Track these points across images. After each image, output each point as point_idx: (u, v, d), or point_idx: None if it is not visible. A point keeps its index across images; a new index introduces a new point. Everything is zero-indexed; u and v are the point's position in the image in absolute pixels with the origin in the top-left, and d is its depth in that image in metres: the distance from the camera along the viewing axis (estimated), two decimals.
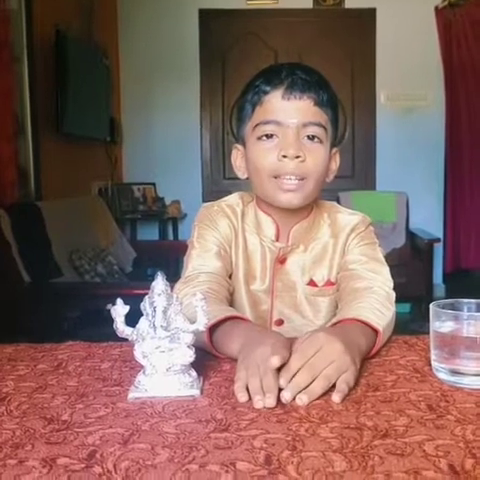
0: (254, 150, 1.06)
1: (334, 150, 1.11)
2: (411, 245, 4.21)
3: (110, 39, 4.40)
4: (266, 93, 1.03)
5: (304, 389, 0.70)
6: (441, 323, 0.77)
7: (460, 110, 4.51)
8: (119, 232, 3.72)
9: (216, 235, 1.12)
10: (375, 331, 0.88)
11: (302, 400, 0.69)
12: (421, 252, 4.05)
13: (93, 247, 3.10)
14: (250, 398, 0.69)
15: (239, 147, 1.13)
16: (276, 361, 0.71)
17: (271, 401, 0.68)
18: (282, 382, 0.70)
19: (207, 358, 0.85)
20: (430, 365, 0.80)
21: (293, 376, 0.71)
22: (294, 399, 0.69)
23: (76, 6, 3.75)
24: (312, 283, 1.14)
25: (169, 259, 3.43)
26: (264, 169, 1.04)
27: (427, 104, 4.59)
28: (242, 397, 0.70)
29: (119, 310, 0.74)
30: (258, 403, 0.68)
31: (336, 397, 0.69)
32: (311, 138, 1.03)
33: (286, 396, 0.69)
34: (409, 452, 0.55)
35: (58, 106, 3.40)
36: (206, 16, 4.57)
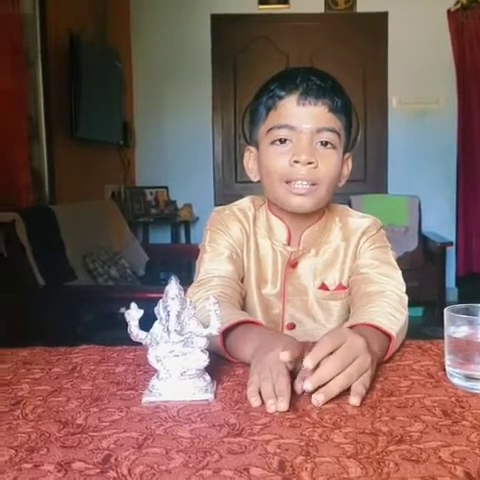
0: (267, 154, 1.06)
1: (347, 155, 1.10)
2: (423, 249, 4.18)
3: (123, 43, 4.43)
4: (281, 98, 1.03)
5: (323, 385, 0.70)
6: (456, 328, 0.77)
7: (472, 113, 4.48)
8: (132, 235, 3.73)
9: (228, 239, 1.13)
10: (388, 336, 0.88)
11: (318, 400, 0.68)
12: (433, 256, 4.03)
13: (106, 250, 3.12)
14: (263, 402, 0.69)
15: (252, 149, 1.13)
16: (286, 356, 0.71)
17: (283, 405, 0.67)
18: (307, 363, 0.70)
19: (220, 362, 0.85)
20: (444, 370, 0.79)
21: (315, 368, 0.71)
22: (306, 396, 0.69)
23: (90, 10, 3.78)
24: (324, 287, 1.14)
25: (181, 263, 3.44)
26: (276, 173, 1.05)
27: (439, 107, 4.57)
28: (255, 402, 0.70)
29: (133, 314, 0.75)
30: (271, 407, 0.68)
31: (354, 400, 0.69)
32: (324, 144, 1.03)
33: (308, 387, 0.68)
34: (424, 458, 0.55)
35: (72, 110, 3.43)
36: (218, 21, 4.59)
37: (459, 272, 4.58)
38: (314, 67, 1.10)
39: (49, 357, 0.92)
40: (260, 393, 0.71)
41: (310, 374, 0.70)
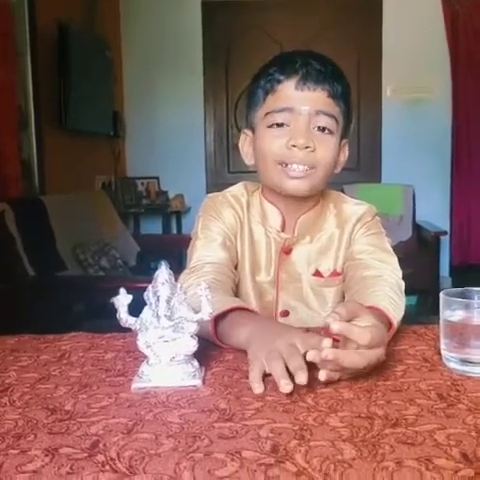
0: (263, 137, 1.05)
1: (343, 141, 1.09)
2: (417, 238, 4.19)
3: (113, 32, 4.39)
4: (279, 82, 1.02)
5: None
6: (451, 312, 0.76)
7: (467, 102, 4.48)
8: (123, 226, 3.71)
9: (221, 225, 1.11)
10: (389, 322, 0.87)
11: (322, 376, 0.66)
12: (427, 245, 4.03)
13: (97, 241, 3.10)
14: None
15: (247, 132, 1.11)
16: (328, 343, 0.68)
17: (302, 378, 0.64)
18: (337, 310, 0.69)
19: (209, 348, 0.84)
20: (439, 354, 0.78)
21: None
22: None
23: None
24: (318, 274, 1.13)
25: (173, 253, 3.41)
26: (272, 155, 1.03)
27: (433, 96, 4.56)
28: (258, 388, 0.67)
29: (122, 300, 0.73)
30: (286, 387, 0.64)
31: (324, 376, 0.67)
32: (322, 129, 1.02)
33: (329, 355, 0.65)
34: (420, 441, 0.54)
35: (61, 100, 3.39)
36: (209, 8, 4.55)
37: (453, 261, 4.59)
38: (314, 51, 1.08)
39: (37, 344, 0.90)
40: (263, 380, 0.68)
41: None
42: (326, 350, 0.66)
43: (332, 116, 1.01)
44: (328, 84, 1.00)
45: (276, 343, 0.73)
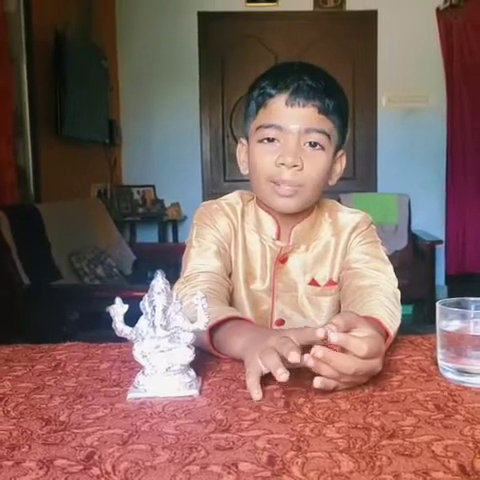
0: (254, 152, 1.05)
1: (340, 153, 1.08)
2: (413, 247, 4.19)
3: (109, 41, 4.39)
4: (271, 96, 1.01)
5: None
6: (448, 322, 0.76)
7: (462, 112, 4.50)
8: (119, 234, 3.70)
9: (215, 234, 1.11)
10: (386, 332, 0.87)
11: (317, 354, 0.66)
12: (423, 254, 4.04)
13: (92, 249, 3.08)
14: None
15: (244, 142, 1.12)
16: (321, 333, 0.68)
17: (295, 358, 0.64)
18: (335, 321, 0.69)
19: (206, 358, 0.83)
20: (436, 365, 0.78)
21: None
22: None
23: (75, 8, 3.74)
24: (314, 283, 1.13)
25: (169, 262, 3.40)
26: (262, 172, 1.03)
27: (428, 106, 4.58)
28: (257, 394, 0.67)
29: (118, 309, 0.73)
30: (282, 376, 0.64)
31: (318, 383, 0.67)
32: (313, 145, 1.01)
33: (334, 338, 0.67)
34: (418, 453, 0.53)
35: (57, 107, 3.39)
36: (205, 18, 4.56)
37: (449, 270, 4.60)
38: (309, 64, 1.08)
39: (32, 354, 0.90)
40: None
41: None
42: (316, 347, 0.66)
43: (323, 132, 1.01)
44: (319, 100, 0.99)
45: (269, 341, 0.73)
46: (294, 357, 0.65)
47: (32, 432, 0.60)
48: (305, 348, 0.71)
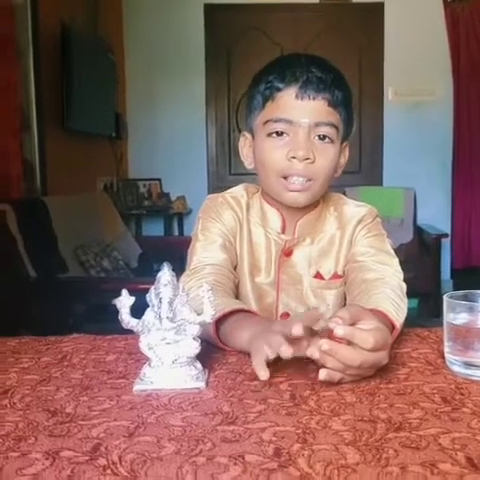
0: (263, 146, 1.04)
1: (344, 144, 1.08)
2: (419, 241, 4.18)
3: (115, 34, 4.39)
4: (279, 90, 1.00)
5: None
6: (455, 315, 0.75)
7: (468, 105, 4.47)
8: (125, 227, 3.71)
9: (221, 227, 1.11)
10: (392, 324, 0.86)
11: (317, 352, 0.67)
12: (429, 247, 4.02)
13: (98, 242, 3.09)
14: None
15: (247, 135, 1.11)
16: (299, 329, 0.69)
17: (298, 328, 0.67)
18: (340, 314, 0.69)
19: (212, 350, 0.83)
20: (443, 358, 0.78)
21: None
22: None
23: (81, 1, 3.73)
24: (319, 276, 1.12)
25: (174, 255, 3.40)
26: (272, 167, 1.03)
27: (435, 99, 4.55)
28: (264, 375, 0.68)
29: (124, 301, 0.73)
30: (286, 352, 0.66)
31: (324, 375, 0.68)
32: (322, 138, 1.01)
33: (339, 332, 0.67)
34: (424, 445, 0.53)
35: (63, 101, 3.39)
36: (211, 10, 4.55)
37: (455, 264, 4.58)
38: (315, 55, 1.07)
39: (38, 346, 0.90)
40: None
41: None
42: (322, 340, 0.67)
43: (332, 125, 1.00)
44: (329, 92, 0.99)
45: (273, 327, 0.75)
46: (297, 330, 0.67)
47: (38, 424, 0.60)
48: (310, 339, 0.71)
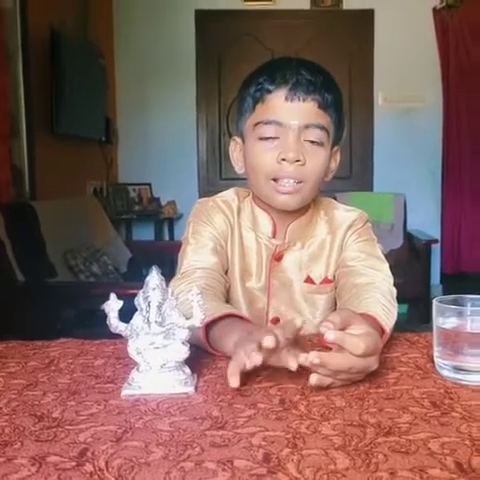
0: (253, 150, 1.04)
1: (335, 148, 1.08)
2: (409, 246, 4.19)
3: (106, 39, 4.38)
4: (269, 92, 1.00)
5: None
6: (444, 319, 0.75)
7: (458, 112, 4.51)
8: (114, 232, 3.69)
9: (212, 231, 1.10)
10: (381, 329, 0.86)
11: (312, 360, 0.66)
12: (419, 253, 4.04)
13: (88, 247, 3.07)
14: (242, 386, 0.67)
15: (238, 140, 1.11)
16: (270, 341, 0.68)
17: (269, 341, 0.66)
18: (331, 319, 0.69)
19: (201, 355, 0.83)
20: (432, 362, 0.77)
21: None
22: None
23: (71, 5, 3.72)
24: (309, 280, 1.12)
25: (165, 259, 3.40)
26: (262, 170, 1.03)
27: (425, 106, 4.58)
28: (233, 383, 0.67)
29: (112, 305, 0.72)
30: (255, 358, 0.66)
31: (314, 379, 0.67)
32: (312, 141, 1.01)
33: (330, 336, 0.67)
34: (414, 450, 0.53)
35: (53, 105, 3.37)
36: (202, 17, 4.55)
37: (444, 269, 4.60)
38: (305, 59, 1.07)
39: (25, 351, 0.89)
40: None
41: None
42: (312, 354, 0.66)
43: (322, 128, 1.01)
44: (319, 94, 0.99)
45: (253, 334, 0.74)
46: (267, 342, 0.66)
47: (24, 429, 0.59)
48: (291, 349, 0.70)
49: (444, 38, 4.46)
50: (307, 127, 0.99)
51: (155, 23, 4.53)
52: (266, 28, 4.56)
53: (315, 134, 1.00)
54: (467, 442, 0.55)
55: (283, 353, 0.70)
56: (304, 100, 0.99)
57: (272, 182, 1.02)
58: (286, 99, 0.99)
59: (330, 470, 0.49)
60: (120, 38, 4.58)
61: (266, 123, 1.01)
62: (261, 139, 1.02)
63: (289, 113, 0.99)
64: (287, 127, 0.99)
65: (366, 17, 4.53)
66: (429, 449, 0.53)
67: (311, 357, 0.66)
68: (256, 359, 0.66)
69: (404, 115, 4.60)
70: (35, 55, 3.19)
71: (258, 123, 1.02)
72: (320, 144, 1.01)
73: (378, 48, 4.55)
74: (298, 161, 0.99)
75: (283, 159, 0.99)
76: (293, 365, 0.67)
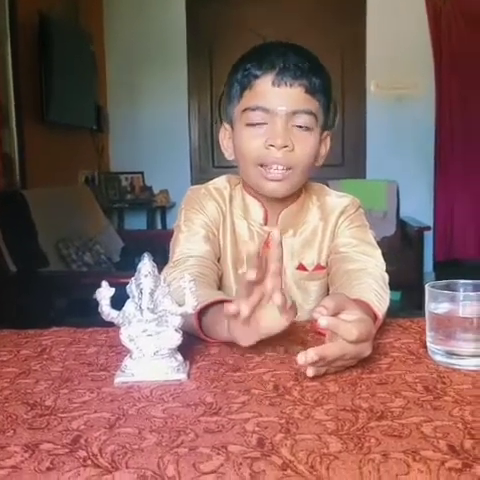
0: (241, 136, 1.03)
1: (325, 134, 1.07)
2: (401, 233, 4.20)
3: (96, 25, 4.33)
4: (256, 77, 1.00)
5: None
6: (437, 304, 0.75)
7: (450, 98, 4.50)
8: (107, 221, 3.67)
9: (204, 218, 1.10)
10: (374, 314, 0.86)
11: (308, 358, 0.66)
12: (411, 240, 4.05)
13: (80, 236, 3.06)
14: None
15: (227, 127, 1.10)
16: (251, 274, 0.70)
17: (250, 274, 0.69)
18: (325, 304, 0.70)
19: (194, 342, 0.83)
20: (425, 347, 0.78)
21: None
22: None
23: None
24: (302, 267, 1.12)
25: (157, 248, 3.39)
26: (250, 156, 1.02)
27: (417, 92, 4.57)
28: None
29: (104, 292, 0.72)
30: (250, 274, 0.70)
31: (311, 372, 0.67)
32: (300, 126, 1.00)
33: (323, 323, 0.67)
34: (407, 434, 0.53)
35: (42, 93, 3.35)
36: (193, 3, 4.51)
37: (437, 257, 4.62)
38: (293, 43, 1.06)
39: (18, 339, 0.88)
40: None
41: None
42: (311, 350, 0.66)
43: (310, 113, 1.00)
44: (306, 79, 0.98)
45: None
46: (250, 275, 0.70)
47: (17, 417, 0.59)
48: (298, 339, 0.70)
49: (436, 24, 4.44)
50: (295, 113, 0.99)
51: (146, 9, 4.48)
52: (258, 15, 4.52)
53: (303, 119, 1.00)
54: (459, 425, 0.55)
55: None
56: (291, 85, 0.98)
57: (260, 168, 1.02)
58: (273, 84, 0.98)
59: (323, 453, 0.49)
60: (110, 24, 4.54)
61: (253, 109, 1.00)
62: (249, 125, 1.01)
63: (276, 99, 0.99)
64: (274, 113, 0.99)
65: (358, 3, 4.50)
66: (422, 433, 0.53)
67: (310, 356, 0.66)
68: (252, 274, 0.69)
69: (397, 102, 4.59)
70: (24, 41, 3.16)
71: (246, 109, 1.01)
72: (308, 129, 1.01)
73: (370, 35, 4.53)
74: (286, 147, 0.99)
75: (271, 145, 0.99)
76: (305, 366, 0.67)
